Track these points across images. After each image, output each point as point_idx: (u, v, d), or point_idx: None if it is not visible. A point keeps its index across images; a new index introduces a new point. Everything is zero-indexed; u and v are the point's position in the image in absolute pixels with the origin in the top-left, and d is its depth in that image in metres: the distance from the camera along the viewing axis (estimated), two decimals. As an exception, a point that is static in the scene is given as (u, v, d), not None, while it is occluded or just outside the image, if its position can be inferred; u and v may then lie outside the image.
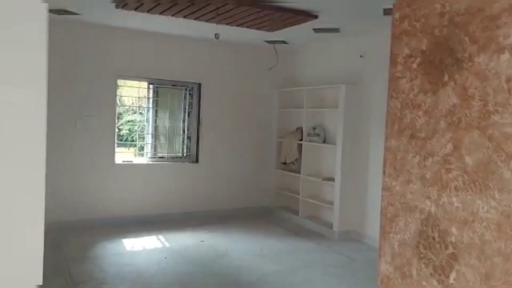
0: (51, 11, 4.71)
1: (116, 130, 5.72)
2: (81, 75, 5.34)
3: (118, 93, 5.74)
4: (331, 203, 5.66)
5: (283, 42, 5.95)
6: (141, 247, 4.90)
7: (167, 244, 5.03)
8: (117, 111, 5.73)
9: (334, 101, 5.78)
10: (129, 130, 7.60)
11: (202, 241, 5.18)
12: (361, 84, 5.47)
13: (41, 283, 1.59)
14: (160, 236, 5.28)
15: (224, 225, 5.85)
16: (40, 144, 1.64)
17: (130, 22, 5.13)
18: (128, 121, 7.55)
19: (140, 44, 5.68)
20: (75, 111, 5.34)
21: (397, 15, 2.31)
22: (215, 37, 4.52)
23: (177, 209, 6.05)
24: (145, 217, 5.80)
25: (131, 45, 5.63)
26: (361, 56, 5.44)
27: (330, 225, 5.65)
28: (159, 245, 5.02)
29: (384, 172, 2.38)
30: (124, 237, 5.15)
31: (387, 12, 4.07)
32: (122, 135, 6.90)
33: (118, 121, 6.04)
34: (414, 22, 2.20)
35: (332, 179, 5.70)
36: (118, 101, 5.76)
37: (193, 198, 6.19)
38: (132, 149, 6.70)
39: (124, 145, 6.78)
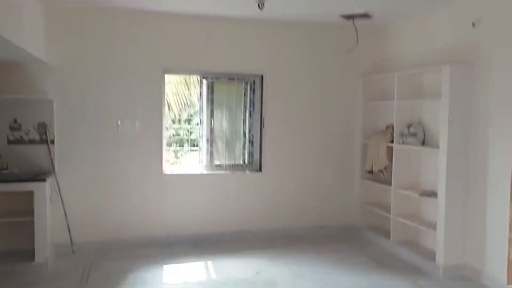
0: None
1: (166, 135, 4.90)
2: (120, 70, 4.60)
3: (165, 90, 4.91)
4: (433, 225, 4.19)
5: (365, 16, 4.60)
6: (182, 278, 3.95)
7: (214, 276, 4.02)
8: (165, 112, 4.90)
9: (435, 89, 4.30)
10: (176, 133, 6.78)
11: (258, 273, 4.08)
12: (474, 63, 3.92)
13: None
14: (210, 263, 4.30)
15: (290, 250, 4.69)
16: None
17: (173, 3, 4.24)
18: (185, 122, 6.75)
19: (189, 30, 4.78)
20: (116, 112, 4.62)
21: None
22: (259, 6, 3.42)
23: (234, 228, 5.04)
24: (196, 237, 4.89)
25: (178, 31, 4.76)
26: (473, 24, 3.90)
27: (431, 256, 4.18)
28: (203, 276, 4.04)
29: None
30: (167, 262, 4.27)
31: None
32: (179, 140, 6.08)
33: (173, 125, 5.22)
34: None
35: (433, 194, 4.23)
36: (165, 100, 4.93)
37: (255, 214, 5.12)
38: (182, 157, 5.85)
39: (174, 151, 5.96)
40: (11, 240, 4.19)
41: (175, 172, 4.93)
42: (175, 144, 7.17)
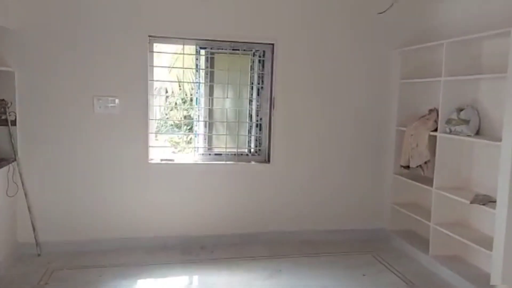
0: None
1: (153, 115, 4.05)
2: (96, 38, 3.75)
3: (153, 63, 4.03)
4: (488, 241, 3.18)
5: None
6: (157, 298, 3.15)
7: (198, 296, 3.20)
8: (152, 89, 4.04)
9: (497, 62, 3.22)
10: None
11: (255, 294, 3.22)
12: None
13: None
14: (195, 279, 3.47)
15: (300, 262, 3.78)
16: None
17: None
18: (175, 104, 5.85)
19: (181, -12, 3.87)
20: (92, 88, 3.79)
21: None
22: None
23: (235, 230, 4.18)
24: (187, 241, 4.06)
25: (168, -10, 3.86)
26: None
27: (484, 279, 3.20)
28: (186, 296, 3.22)
29: None
30: (144, 276, 3.47)
31: None
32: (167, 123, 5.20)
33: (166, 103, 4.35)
34: None
35: (491, 200, 3.21)
36: (153, 75, 4.05)
37: (260, 215, 4.24)
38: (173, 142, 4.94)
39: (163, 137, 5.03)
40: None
41: (164, 161, 4.08)
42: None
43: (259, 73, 4.22)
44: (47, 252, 3.75)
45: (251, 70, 4.23)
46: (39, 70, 3.67)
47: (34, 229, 3.74)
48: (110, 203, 3.91)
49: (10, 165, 3.57)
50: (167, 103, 4.30)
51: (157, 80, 4.04)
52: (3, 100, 3.60)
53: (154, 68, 4.02)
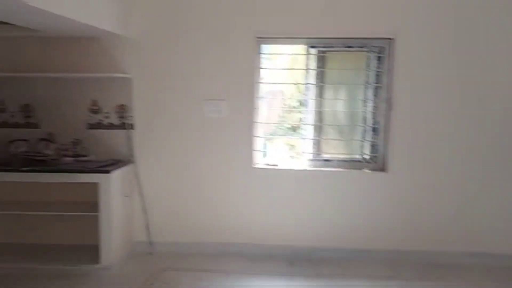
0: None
1: (260, 118, 3.92)
2: (206, 41, 3.76)
3: (261, 65, 3.90)
4: None
5: None
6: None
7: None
8: (259, 91, 3.91)
9: None
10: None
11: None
12: None
13: None
14: (301, 293, 3.23)
15: (430, 286, 3.27)
16: None
17: None
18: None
19: (290, -15, 3.66)
20: (202, 92, 3.82)
21: None
22: None
23: (345, 244, 3.82)
24: (293, 252, 3.84)
25: (276, -12, 3.69)
26: None
27: None
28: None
29: None
30: (246, 282, 3.35)
31: None
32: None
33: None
34: None
35: None
36: (260, 77, 3.92)
37: (375, 229, 3.80)
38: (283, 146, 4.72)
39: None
40: (80, 235, 3.81)
41: (269, 166, 3.92)
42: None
43: (376, 71, 3.79)
44: (158, 252, 3.88)
45: (366, 68, 3.83)
46: (154, 75, 3.81)
47: (148, 229, 3.91)
48: (216, 206, 3.90)
49: (128, 166, 3.77)
50: (283, 105, 4.13)
51: (264, 83, 3.90)
52: (123, 105, 3.83)
53: (268, 70, 3.89)
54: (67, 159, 3.72)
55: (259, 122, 3.89)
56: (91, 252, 3.55)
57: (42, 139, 3.84)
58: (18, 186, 3.77)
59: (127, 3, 3.67)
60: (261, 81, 3.88)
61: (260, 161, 3.95)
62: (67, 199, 3.84)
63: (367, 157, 3.89)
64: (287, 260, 3.75)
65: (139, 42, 3.77)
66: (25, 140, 3.85)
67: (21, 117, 3.89)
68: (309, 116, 3.95)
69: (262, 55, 3.87)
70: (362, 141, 3.90)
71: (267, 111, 4.07)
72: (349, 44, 3.78)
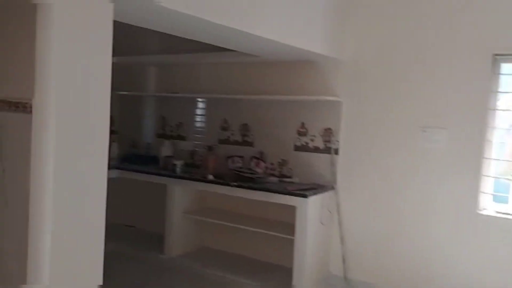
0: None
1: (491, 153, 3.16)
2: (428, 61, 3.29)
3: (498, 88, 3.16)
4: None
5: None
6: None
7: None
8: (493, 120, 3.17)
9: None
10: None
11: None
12: None
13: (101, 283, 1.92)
14: None
15: None
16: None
17: None
18: None
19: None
20: (419, 118, 3.34)
21: None
22: None
23: None
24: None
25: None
26: None
27: None
28: None
29: None
30: None
31: None
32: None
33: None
34: None
35: None
36: (496, 104, 3.15)
37: None
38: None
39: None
40: (276, 254, 3.79)
41: (501, 215, 3.09)
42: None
43: None
44: (352, 290, 3.55)
45: None
46: (364, 100, 3.55)
47: (344, 262, 3.62)
48: (422, 252, 3.30)
49: (328, 192, 3.59)
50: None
51: (503, 109, 3.13)
52: (329, 129, 3.70)
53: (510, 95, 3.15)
54: (273, 178, 3.80)
55: (491, 158, 3.15)
56: (284, 273, 3.50)
57: (254, 157, 4.05)
58: (228, 198, 4.05)
59: (340, 26, 3.54)
60: (497, 107, 3.14)
61: (488, 206, 3.18)
62: (267, 217, 3.93)
63: None
64: None
65: (351, 65, 3.59)
66: (240, 156, 4.13)
67: (239, 135, 4.20)
68: None
69: (501, 76, 3.14)
70: None
71: (506, 145, 3.27)
72: None
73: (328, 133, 3.70)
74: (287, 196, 3.35)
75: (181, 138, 4.57)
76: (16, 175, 1.92)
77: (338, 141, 3.65)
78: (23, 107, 1.87)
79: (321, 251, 3.59)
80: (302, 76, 3.81)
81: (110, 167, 4.08)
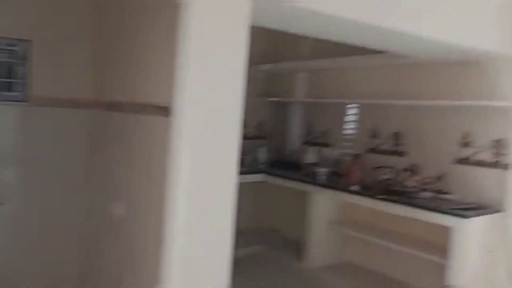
0: None
1: None
2: None
3: None
4: None
5: None
6: None
7: None
8: None
9: None
10: None
11: None
12: None
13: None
14: None
15: None
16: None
17: None
18: None
19: None
20: None
21: None
22: None
23: None
24: None
25: None
26: None
27: None
28: None
29: None
30: None
31: None
32: None
33: None
34: None
35: None
36: None
37: None
38: None
39: None
40: (422, 277, 3.33)
41: None
42: None
43: None
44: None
45: None
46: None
47: (513, 300, 3.01)
48: None
49: (495, 215, 3.03)
50: None
51: None
52: (499, 139, 3.13)
53: None
54: (426, 193, 3.38)
55: None
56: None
57: (406, 169, 3.68)
58: (375, 211, 3.75)
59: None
60: None
61: None
62: (415, 234, 3.51)
63: None
64: None
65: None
66: (390, 167, 3.80)
67: (390, 144, 3.87)
68: None
69: None
70: None
71: None
72: None
73: (497, 145, 3.14)
74: (443, 215, 2.93)
75: (327, 145, 4.43)
76: (154, 176, 2.06)
77: (510, 154, 3.06)
78: (164, 111, 1.99)
79: (483, 284, 3.03)
80: (462, 78, 3.32)
81: (257, 171, 4.27)
